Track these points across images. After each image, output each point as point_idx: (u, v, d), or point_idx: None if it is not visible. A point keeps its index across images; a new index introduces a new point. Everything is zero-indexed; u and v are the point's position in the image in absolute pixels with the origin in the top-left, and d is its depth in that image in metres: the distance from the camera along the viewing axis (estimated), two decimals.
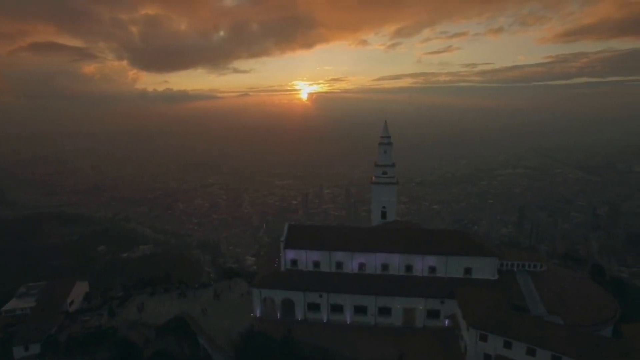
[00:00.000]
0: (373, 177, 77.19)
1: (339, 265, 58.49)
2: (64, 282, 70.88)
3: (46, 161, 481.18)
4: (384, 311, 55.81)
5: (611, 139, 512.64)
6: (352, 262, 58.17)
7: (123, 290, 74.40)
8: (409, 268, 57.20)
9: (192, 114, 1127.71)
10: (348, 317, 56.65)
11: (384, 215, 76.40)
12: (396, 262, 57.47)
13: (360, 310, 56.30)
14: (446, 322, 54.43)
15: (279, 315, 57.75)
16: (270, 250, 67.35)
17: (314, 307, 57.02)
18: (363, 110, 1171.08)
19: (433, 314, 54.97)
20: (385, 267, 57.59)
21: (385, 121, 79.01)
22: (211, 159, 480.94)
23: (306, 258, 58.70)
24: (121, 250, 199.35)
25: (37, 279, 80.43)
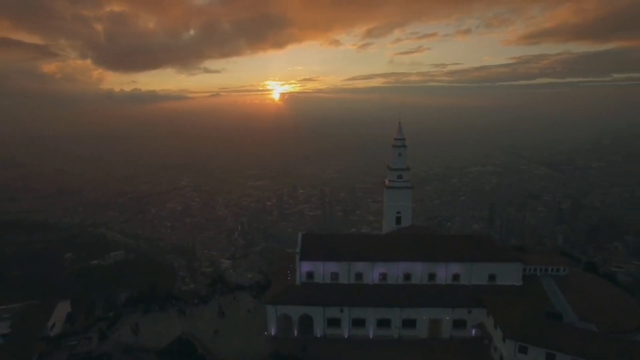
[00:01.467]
0: (387, 181, 74.57)
1: (359, 276, 55.18)
2: (43, 303, 63.01)
3: (5, 165, 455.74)
4: (409, 323, 53.07)
5: (570, 136, 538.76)
6: (373, 273, 55.03)
7: (108, 308, 68.66)
8: (432, 276, 55.02)
9: (162, 115, 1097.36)
10: (371, 331, 53.48)
11: (398, 220, 73.90)
12: (419, 270, 55.02)
13: (383, 323, 53.26)
14: (473, 332, 52.74)
15: (295, 333, 53.56)
16: (282, 261, 63.21)
17: (334, 322, 53.43)
18: (335, 110, 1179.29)
19: (459, 323, 52.76)
20: (407, 276, 55.11)
21: (399, 122, 75.54)
22: (183, 161, 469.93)
23: (323, 270, 55.03)
24: (90, 258, 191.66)
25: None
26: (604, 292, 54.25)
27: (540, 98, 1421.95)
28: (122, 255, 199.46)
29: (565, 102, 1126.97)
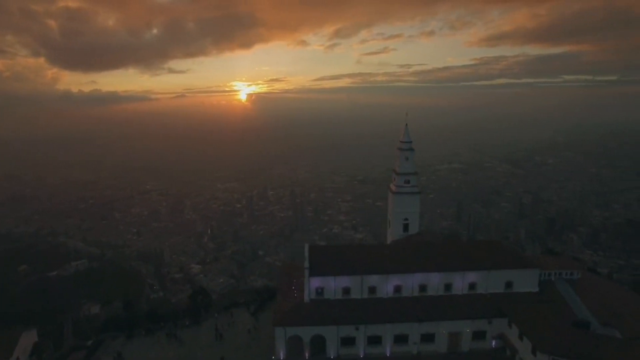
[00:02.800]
0: (393, 187, 70.10)
1: (372, 290, 51.80)
2: (5, 335, 53.38)
3: None
4: (427, 338, 50.53)
5: (528, 134, 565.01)
6: (387, 286, 51.75)
7: (82, 333, 61.68)
8: (448, 287, 52.62)
9: (125, 117, 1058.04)
10: (388, 349, 50.46)
11: (406, 227, 69.86)
12: (435, 281, 52.20)
13: (400, 339, 50.32)
14: (493, 343, 50.69)
15: (307, 355, 49.90)
16: (285, 274, 59.06)
17: (348, 341, 50.14)
18: (303, 111, 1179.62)
19: (479, 335, 50.65)
20: (423, 287, 52.38)
21: (406, 124, 71.49)
22: (148, 164, 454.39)
23: (334, 285, 51.22)
24: (48, 269, 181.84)
25: None
26: (617, 295, 53.65)
27: (500, 98, 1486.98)
28: (84, 264, 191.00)
29: (522, 102, 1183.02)
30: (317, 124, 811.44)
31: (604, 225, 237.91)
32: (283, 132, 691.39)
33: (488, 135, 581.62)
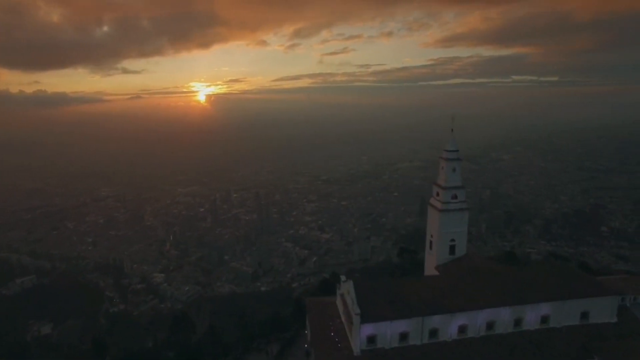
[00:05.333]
0: (438, 203, 59.35)
1: (434, 332, 44.06)
2: None
3: None
4: None
5: (483, 131, 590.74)
6: (451, 326, 44.42)
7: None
8: (518, 322, 45.76)
9: (75, 119, 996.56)
10: None
11: (452, 250, 60.34)
12: (505, 316, 45.15)
13: None
14: None
15: None
16: (316, 313, 49.60)
17: None
18: (263, 111, 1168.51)
19: None
20: (490, 325, 45.23)
21: (452, 130, 61.77)
22: (102, 169, 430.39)
23: (390, 331, 42.82)
24: None
25: None
26: None
27: (456, 97, 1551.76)
28: (32, 280, 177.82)
29: (476, 101, 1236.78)
30: (278, 124, 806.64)
31: (555, 216, 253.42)
32: (244, 134, 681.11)
33: (445, 134, 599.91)
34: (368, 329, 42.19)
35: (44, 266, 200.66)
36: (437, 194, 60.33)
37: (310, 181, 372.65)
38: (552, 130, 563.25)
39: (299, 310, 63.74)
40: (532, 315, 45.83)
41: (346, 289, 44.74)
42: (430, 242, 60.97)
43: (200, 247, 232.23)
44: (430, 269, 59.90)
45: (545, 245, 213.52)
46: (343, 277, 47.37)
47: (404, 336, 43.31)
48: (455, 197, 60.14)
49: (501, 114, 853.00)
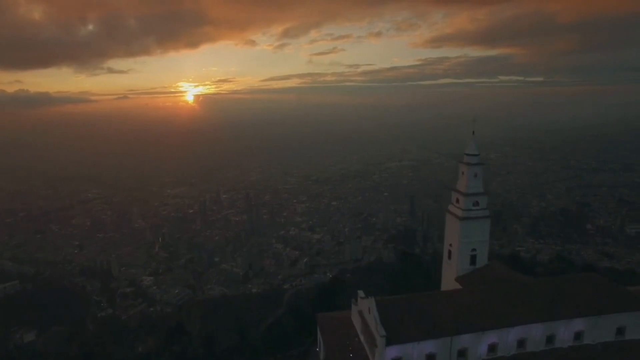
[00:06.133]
0: (459, 211, 56.26)
1: (462, 353, 41.72)
2: None
3: None
4: None
5: (470, 131, 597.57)
6: (481, 346, 41.99)
7: None
8: (550, 339, 43.53)
9: (60, 120, 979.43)
10: None
11: (473, 260, 57.39)
12: (537, 333, 42.85)
13: None
14: None
15: None
16: (331, 332, 46.47)
17: None
18: (252, 112, 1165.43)
19: None
20: (521, 343, 43.11)
21: (473, 132, 58.24)
22: (88, 171, 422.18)
23: (416, 353, 40.21)
24: None
25: None
26: None
27: (444, 97, 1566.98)
28: (15, 286, 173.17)
29: (464, 101, 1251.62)
30: (267, 124, 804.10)
31: (542, 214, 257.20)
32: (233, 134, 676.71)
33: (434, 133, 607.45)
34: (393, 351, 39.56)
35: (27, 271, 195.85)
36: (457, 201, 56.51)
37: (301, 181, 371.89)
38: (538, 130, 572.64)
39: (304, 321, 61.03)
40: (565, 332, 43.45)
41: (366, 306, 41.59)
42: (449, 251, 57.70)
43: (190, 249, 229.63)
44: (449, 280, 57.37)
45: (534, 244, 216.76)
46: (361, 293, 44.21)
47: (430, 357, 40.93)
48: (476, 204, 56.57)
49: (488, 114, 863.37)
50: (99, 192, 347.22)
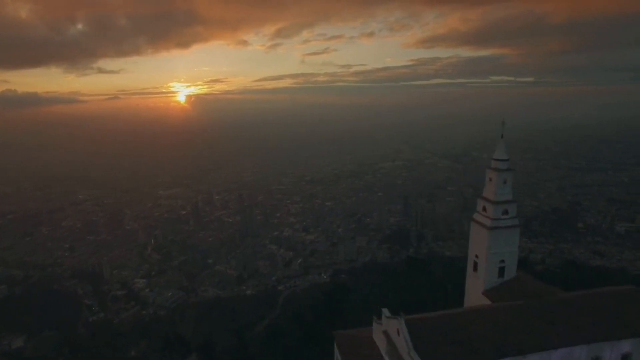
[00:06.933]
0: (487, 220, 51.57)
1: None
2: None
3: None
4: None
5: (463, 131, 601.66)
6: None
7: None
8: None
9: (49, 120, 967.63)
10: None
11: (501, 272, 53.18)
12: (581, 356, 40.23)
13: None
14: None
15: None
16: (350, 352, 42.89)
17: None
18: (245, 112, 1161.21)
19: None
20: None
21: (501, 135, 53.53)
22: (79, 172, 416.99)
23: None
24: None
25: None
26: None
27: (437, 97, 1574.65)
28: (3, 290, 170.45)
29: (456, 101, 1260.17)
30: (260, 125, 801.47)
31: (535, 213, 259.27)
32: (225, 134, 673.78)
33: (427, 133, 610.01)
34: None
35: (16, 275, 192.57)
36: (484, 209, 51.58)
37: (294, 182, 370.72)
38: (530, 130, 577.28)
39: (308, 332, 58.93)
40: (611, 354, 40.48)
41: (393, 327, 38.07)
42: (475, 263, 53.37)
43: (183, 250, 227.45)
44: (475, 294, 53.51)
45: (527, 243, 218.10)
46: (386, 312, 40.11)
47: None
48: (506, 212, 51.27)
49: (480, 113, 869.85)
50: (90, 194, 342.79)
